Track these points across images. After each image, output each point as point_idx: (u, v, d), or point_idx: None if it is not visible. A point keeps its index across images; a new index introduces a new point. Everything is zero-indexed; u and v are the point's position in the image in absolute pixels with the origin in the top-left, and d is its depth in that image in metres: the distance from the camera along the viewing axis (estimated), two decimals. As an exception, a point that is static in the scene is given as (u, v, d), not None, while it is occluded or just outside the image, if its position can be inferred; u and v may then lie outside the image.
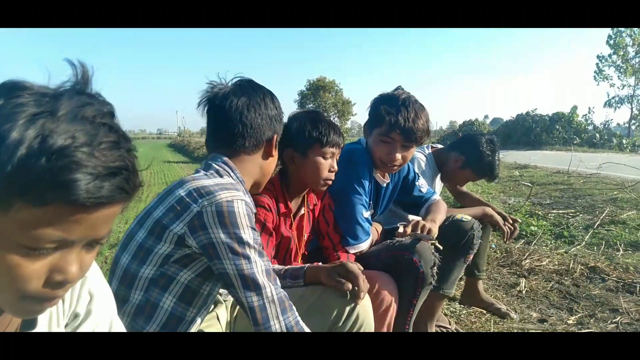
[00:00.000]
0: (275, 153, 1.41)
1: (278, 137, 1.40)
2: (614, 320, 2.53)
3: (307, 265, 1.48)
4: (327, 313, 1.35)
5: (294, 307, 1.17)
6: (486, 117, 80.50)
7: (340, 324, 1.35)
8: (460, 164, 2.59)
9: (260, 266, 1.13)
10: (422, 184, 2.33)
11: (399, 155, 1.94)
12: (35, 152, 0.54)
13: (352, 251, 1.90)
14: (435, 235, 1.82)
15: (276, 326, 1.12)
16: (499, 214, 2.62)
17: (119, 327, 0.90)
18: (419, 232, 1.79)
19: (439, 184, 2.76)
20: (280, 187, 1.73)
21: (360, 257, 1.90)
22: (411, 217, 2.43)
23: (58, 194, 0.55)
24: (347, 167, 1.92)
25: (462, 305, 2.78)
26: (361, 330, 1.37)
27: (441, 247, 1.84)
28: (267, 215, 1.63)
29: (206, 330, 1.36)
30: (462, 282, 2.86)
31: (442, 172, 2.69)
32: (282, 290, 1.17)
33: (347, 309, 1.35)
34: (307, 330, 1.17)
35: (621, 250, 3.78)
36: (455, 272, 2.20)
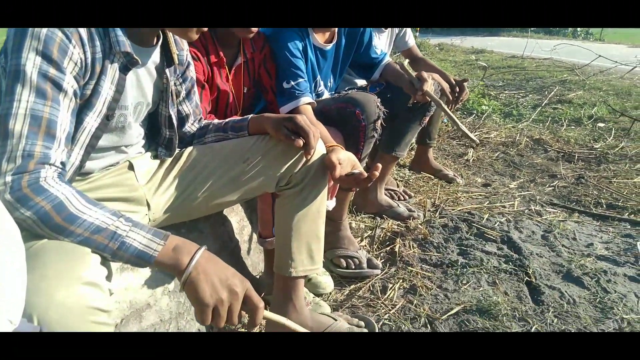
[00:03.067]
0: None
1: None
2: (551, 184, 2.67)
3: (250, 115, 1.34)
4: (283, 160, 1.26)
5: (50, 191, 0.80)
6: None
7: (296, 171, 1.27)
8: None
9: (24, 108, 0.83)
10: (377, 44, 2.18)
11: None
12: None
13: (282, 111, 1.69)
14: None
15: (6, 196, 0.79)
16: (449, 81, 2.47)
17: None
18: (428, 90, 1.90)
19: (385, 40, 2.60)
20: (210, 34, 1.53)
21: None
22: (360, 82, 2.32)
23: None
24: (275, 34, 1.73)
25: (412, 172, 2.83)
26: (313, 172, 1.29)
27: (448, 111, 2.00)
28: (196, 65, 1.44)
29: (114, 177, 1.16)
30: (413, 152, 2.88)
31: None
32: (48, 152, 0.84)
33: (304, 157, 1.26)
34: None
35: (565, 125, 3.91)
36: (409, 134, 2.16)
